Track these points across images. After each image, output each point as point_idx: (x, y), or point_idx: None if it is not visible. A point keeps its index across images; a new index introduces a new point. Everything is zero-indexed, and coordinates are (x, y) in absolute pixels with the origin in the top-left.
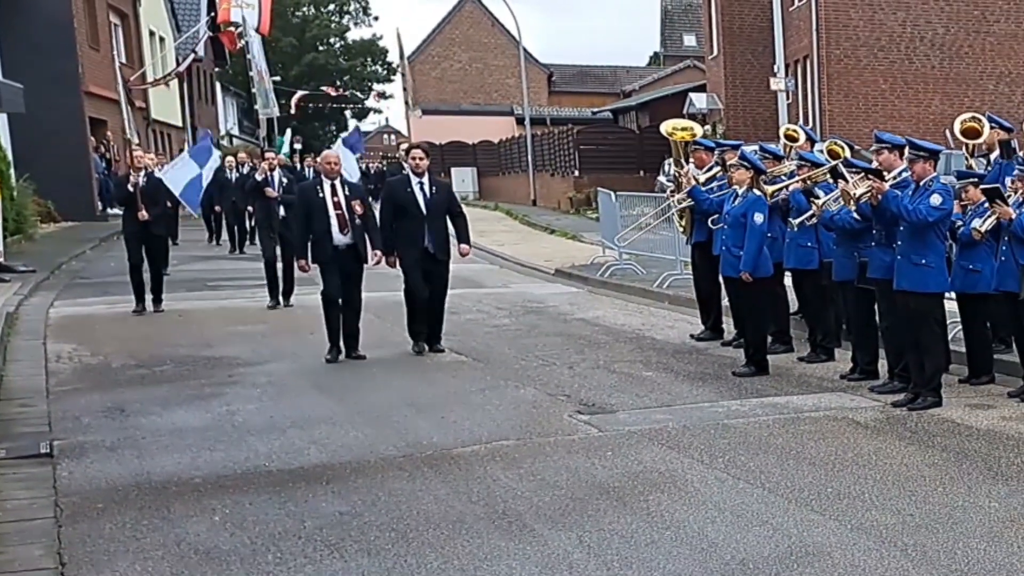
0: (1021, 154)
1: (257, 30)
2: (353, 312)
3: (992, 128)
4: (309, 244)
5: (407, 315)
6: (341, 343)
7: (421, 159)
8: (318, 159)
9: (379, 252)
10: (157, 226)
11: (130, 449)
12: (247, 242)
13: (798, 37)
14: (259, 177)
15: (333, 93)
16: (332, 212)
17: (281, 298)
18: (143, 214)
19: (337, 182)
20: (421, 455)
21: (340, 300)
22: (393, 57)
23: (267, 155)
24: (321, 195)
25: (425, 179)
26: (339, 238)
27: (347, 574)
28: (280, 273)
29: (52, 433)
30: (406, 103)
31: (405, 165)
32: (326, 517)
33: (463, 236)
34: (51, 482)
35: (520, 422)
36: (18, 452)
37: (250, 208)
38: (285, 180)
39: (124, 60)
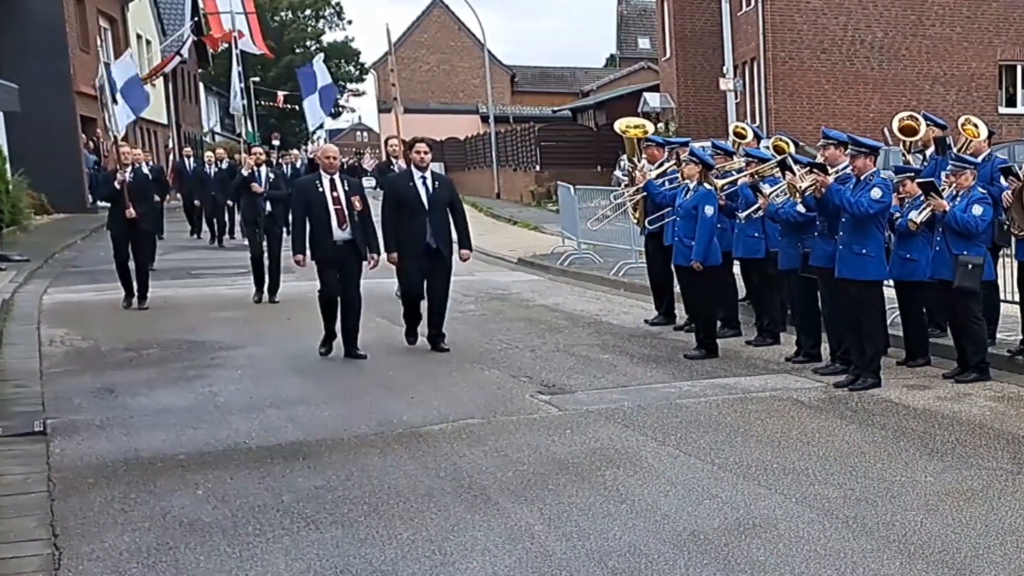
0: (954, 150)
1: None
2: (352, 309)
3: (928, 126)
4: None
5: (403, 311)
6: (337, 334)
7: (425, 153)
8: (317, 152)
9: (375, 256)
10: (144, 222)
11: (119, 427)
12: (226, 234)
13: (746, 40)
14: (245, 172)
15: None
16: (331, 207)
17: (267, 293)
18: (130, 211)
19: (336, 177)
20: (392, 433)
21: (338, 298)
22: (366, 58)
23: (254, 150)
24: (320, 189)
25: (428, 173)
26: (338, 233)
27: (322, 545)
28: (266, 268)
29: (45, 412)
30: (394, 98)
31: (395, 161)
32: (302, 491)
33: (463, 239)
34: (44, 458)
35: (485, 402)
36: (13, 430)
37: (230, 202)
38: (271, 176)
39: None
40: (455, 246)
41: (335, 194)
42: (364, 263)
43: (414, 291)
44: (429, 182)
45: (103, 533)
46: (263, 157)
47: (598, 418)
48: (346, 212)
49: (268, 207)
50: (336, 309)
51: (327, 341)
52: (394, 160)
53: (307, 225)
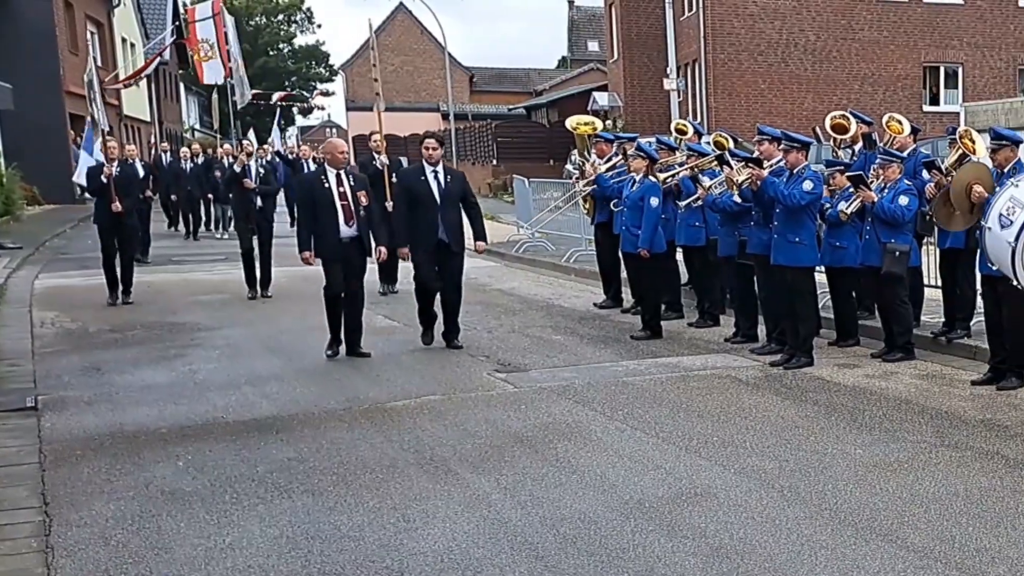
0: (881, 145)
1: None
2: (355, 307)
3: (857, 123)
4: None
5: (418, 307)
6: (342, 336)
7: (435, 148)
8: (320, 148)
9: (383, 249)
10: (130, 216)
11: (105, 403)
12: (201, 227)
13: (688, 43)
14: (237, 168)
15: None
16: (338, 203)
17: (259, 287)
18: (116, 205)
19: (342, 172)
20: (359, 408)
21: (343, 295)
22: (335, 60)
23: (244, 145)
24: (327, 185)
25: (440, 168)
26: (344, 230)
27: (294, 512)
28: (258, 263)
29: (37, 389)
30: (376, 93)
31: (377, 156)
32: (276, 462)
33: (478, 231)
34: (36, 432)
35: (445, 379)
36: (6, 406)
37: (210, 195)
38: (262, 171)
39: (100, 63)
40: (468, 241)
41: (341, 190)
42: (368, 258)
43: (428, 284)
44: (441, 176)
45: (91, 501)
46: (252, 151)
47: (551, 394)
48: (353, 208)
49: (259, 202)
50: (341, 307)
51: (334, 343)
52: (376, 155)
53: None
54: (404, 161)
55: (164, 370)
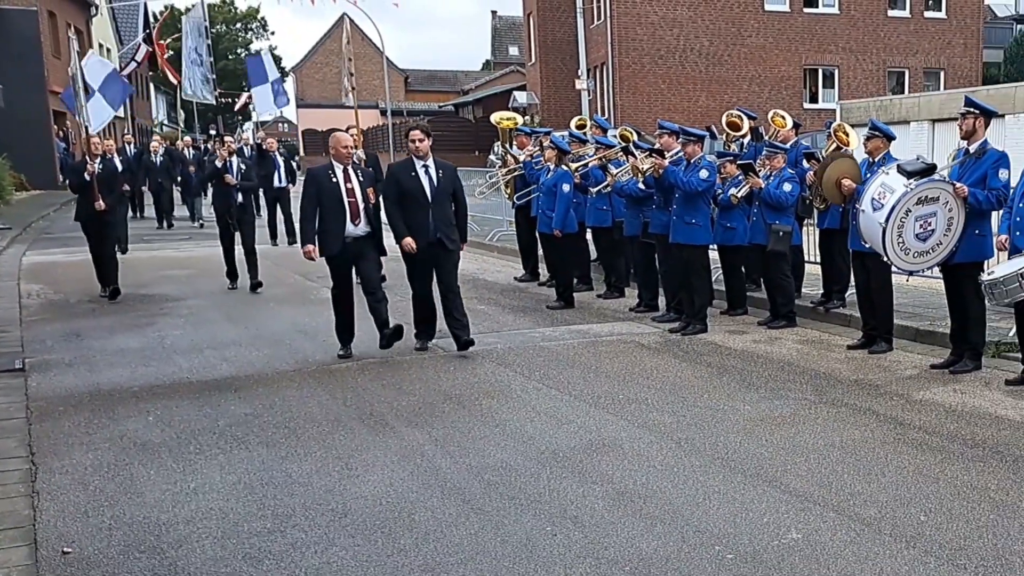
0: (767, 138)
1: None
2: (379, 305)
3: (748, 120)
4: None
5: (413, 312)
6: (355, 333)
7: (420, 141)
8: (330, 144)
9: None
10: (112, 214)
11: (84, 365)
12: (170, 215)
13: (597, 48)
14: (219, 164)
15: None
16: (345, 200)
17: (249, 281)
18: (100, 203)
19: (350, 168)
20: (307, 370)
21: (352, 292)
22: (286, 63)
23: (227, 140)
24: (334, 180)
25: (430, 162)
26: (351, 229)
27: (250, 461)
28: (241, 258)
29: (24, 353)
30: (352, 87)
31: (353, 152)
32: (234, 417)
33: (460, 231)
34: (23, 391)
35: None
36: None
37: (176, 185)
38: (243, 167)
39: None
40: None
41: (349, 186)
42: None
43: (423, 291)
44: (432, 171)
45: (71, 452)
46: (235, 147)
47: (476, 357)
48: (360, 205)
49: (240, 198)
50: (350, 307)
51: (346, 342)
52: (353, 150)
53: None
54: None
55: (136, 336)
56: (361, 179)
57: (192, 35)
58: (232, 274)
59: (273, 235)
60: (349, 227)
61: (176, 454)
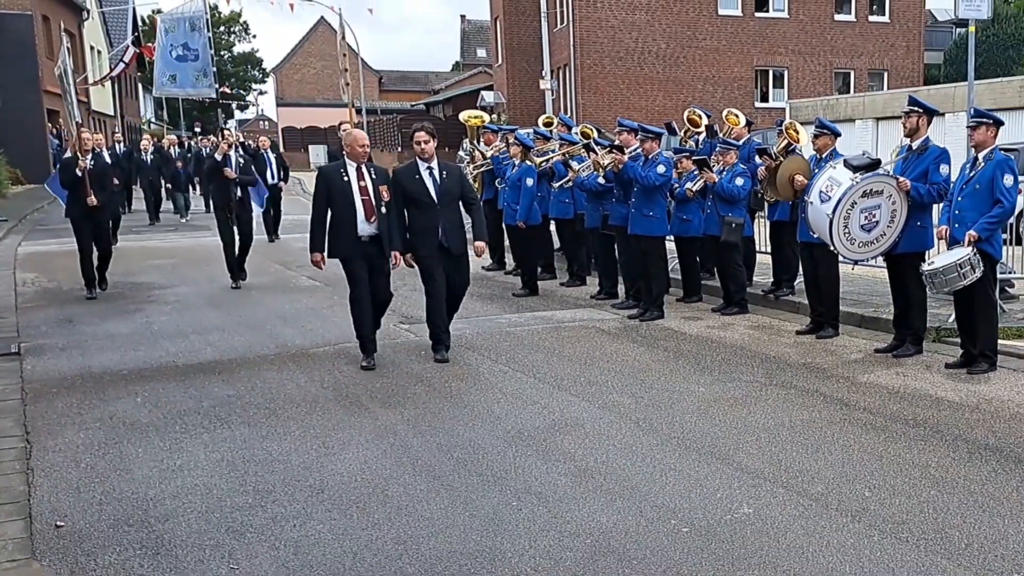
0: (721, 135)
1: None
2: (380, 313)
3: (706, 117)
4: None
5: (426, 309)
6: (375, 340)
7: (427, 142)
8: (345, 141)
9: (396, 254)
10: (104, 211)
11: (76, 349)
12: (159, 210)
13: (560, 50)
14: (218, 157)
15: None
16: (358, 198)
17: (237, 273)
18: (92, 200)
19: (363, 166)
20: (287, 353)
21: (368, 296)
22: (267, 64)
23: (226, 134)
24: (346, 178)
25: (434, 164)
26: (364, 228)
27: (233, 440)
28: (239, 254)
29: (20, 337)
30: (346, 83)
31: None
32: (218, 398)
33: (479, 230)
34: (19, 373)
35: None
36: None
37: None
38: (242, 161)
39: (72, 67)
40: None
41: (362, 184)
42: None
43: (440, 292)
44: (437, 173)
45: (64, 431)
46: (233, 139)
47: None
48: (374, 204)
49: (239, 192)
50: (369, 313)
51: (369, 352)
52: (346, 147)
53: (328, 219)
54: (325, 149)
55: (125, 322)
56: (374, 176)
57: (180, 31)
58: (232, 269)
59: (268, 230)
60: (363, 225)
61: (163, 433)
